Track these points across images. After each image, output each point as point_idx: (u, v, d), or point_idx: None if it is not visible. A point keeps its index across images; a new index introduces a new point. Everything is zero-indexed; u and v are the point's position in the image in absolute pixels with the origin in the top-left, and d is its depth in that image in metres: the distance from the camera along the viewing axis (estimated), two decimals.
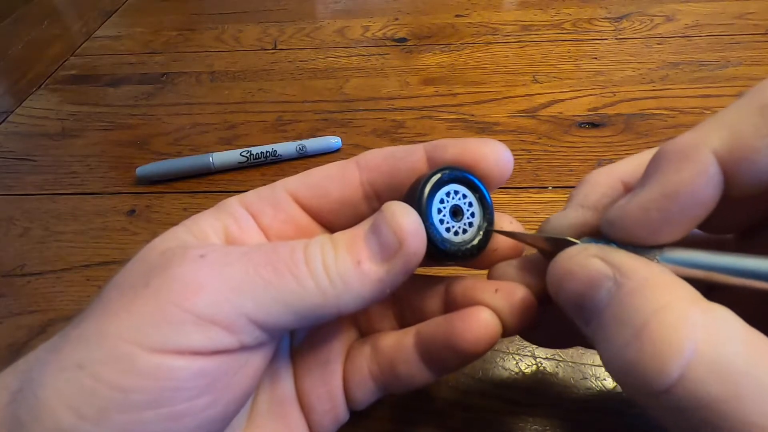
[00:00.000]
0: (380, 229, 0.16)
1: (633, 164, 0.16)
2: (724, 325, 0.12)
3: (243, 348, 0.15)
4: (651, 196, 0.14)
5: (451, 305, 0.19)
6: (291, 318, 0.15)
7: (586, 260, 0.15)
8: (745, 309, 0.12)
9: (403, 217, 0.16)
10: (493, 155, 0.18)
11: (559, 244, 0.16)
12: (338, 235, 0.16)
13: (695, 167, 0.13)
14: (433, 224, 0.17)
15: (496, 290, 0.18)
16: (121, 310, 0.14)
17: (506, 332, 0.18)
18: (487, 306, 0.18)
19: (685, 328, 0.12)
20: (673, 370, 0.11)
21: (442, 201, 0.17)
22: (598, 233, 0.16)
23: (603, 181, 0.17)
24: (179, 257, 0.15)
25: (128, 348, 0.14)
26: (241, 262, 0.15)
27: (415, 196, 0.17)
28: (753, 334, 0.12)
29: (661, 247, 0.14)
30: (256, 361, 0.16)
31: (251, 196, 0.19)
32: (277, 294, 0.15)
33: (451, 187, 0.18)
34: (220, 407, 0.15)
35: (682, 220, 0.14)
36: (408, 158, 0.18)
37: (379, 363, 0.19)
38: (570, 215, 0.17)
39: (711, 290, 0.14)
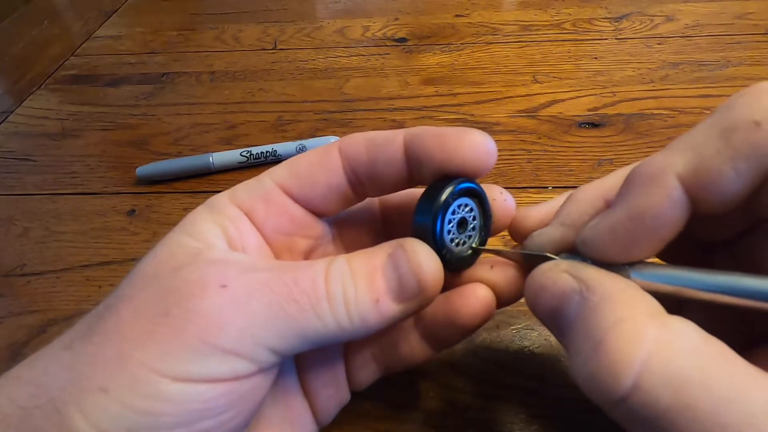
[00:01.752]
0: (401, 268, 0.16)
1: (617, 179, 0.17)
2: (678, 338, 0.12)
3: (261, 371, 0.16)
4: (619, 218, 0.15)
5: (448, 283, 0.19)
6: (306, 346, 0.16)
7: (557, 275, 0.16)
8: (716, 321, 0.13)
9: (426, 262, 0.16)
10: (471, 146, 0.17)
11: (539, 260, 0.17)
12: (357, 263, 0.17)
13: (660, 191, 0.14)
14: (444, 241, 0.18)
15: (492, 267, 0.19)
16: (144, 337, 0.15)
17: (501, 303, 0.19)
18: (484, 282, 0.19)
19: (638, 341, 0.12)
20: (625, 381, 0.12)
21: (453, 212, 0.18)
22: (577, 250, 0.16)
23: (585, 198, 0.17)
24: (200, 287, 0.15)
25: (153, 376, 0.14)
26: (263, 294, 0.15)
27: (431, 213, 0.17)
28: (710, 345, 0.12)
29: (632, 264, 0.15)
30: (271, 374, 0.17)
31: (241, 192, 0.19)
32: (297, 328, 0.16)
33: (462, 200, 0.18)
34: (243, 416, 0.16)
35: (648, 241, 0.14)
36: (387, 147, 0.18)
37: (380, 343, 0.20)
38: (551, 232, 0.18)
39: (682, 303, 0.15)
